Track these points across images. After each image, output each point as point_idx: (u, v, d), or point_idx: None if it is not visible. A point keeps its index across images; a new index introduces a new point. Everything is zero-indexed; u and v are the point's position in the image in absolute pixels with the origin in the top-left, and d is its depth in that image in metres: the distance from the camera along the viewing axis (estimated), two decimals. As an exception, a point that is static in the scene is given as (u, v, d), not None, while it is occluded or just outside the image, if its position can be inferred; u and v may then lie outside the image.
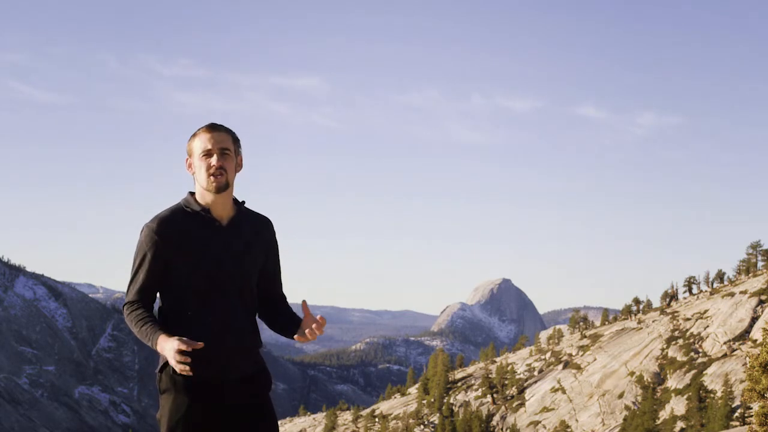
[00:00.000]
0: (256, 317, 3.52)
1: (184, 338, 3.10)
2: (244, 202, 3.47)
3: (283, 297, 3.58)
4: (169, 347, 3.10)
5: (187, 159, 3.39)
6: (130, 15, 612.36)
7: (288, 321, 3.47)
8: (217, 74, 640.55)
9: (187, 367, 3.09)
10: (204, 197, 3.35)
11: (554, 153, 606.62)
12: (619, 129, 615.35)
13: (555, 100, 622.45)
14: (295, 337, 3.36)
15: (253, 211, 3.50)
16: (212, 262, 3.29)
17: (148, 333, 3.21)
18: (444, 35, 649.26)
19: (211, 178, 3.29)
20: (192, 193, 3.40)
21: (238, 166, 3.40)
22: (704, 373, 55.61)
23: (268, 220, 3.54)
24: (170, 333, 3.23)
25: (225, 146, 3.32)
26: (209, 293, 3.29)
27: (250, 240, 3.41)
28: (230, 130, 3.39)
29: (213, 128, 3.34)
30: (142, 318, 3.26)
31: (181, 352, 3.07)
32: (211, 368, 3.28)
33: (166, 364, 3.29)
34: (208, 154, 3.30)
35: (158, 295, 3.38)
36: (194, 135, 3.35)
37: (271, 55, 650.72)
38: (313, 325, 3.29)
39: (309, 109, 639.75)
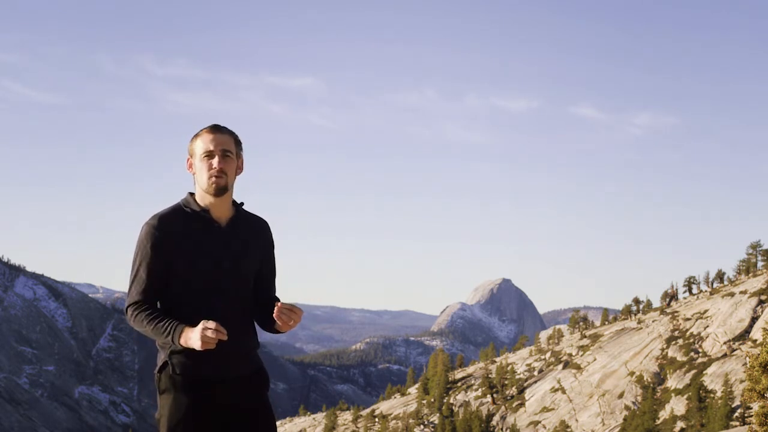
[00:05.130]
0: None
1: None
2: (242, 204, 3.46)
3: (276, 299, 3.53)
4: (197, 328, 3.06)
5: (188, 159, 3.37)
6: (126, 15, 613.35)
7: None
8: (213, 74, 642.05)
9: (221, 337, 3.04)
10: (204, 198, 3.34)
11: (551, 153, 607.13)
12: (615, 129, 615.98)
13: (551, 100, 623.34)
14: (276, 326, 3.31)
15: (251, 213, 3.50)
16: (211, 262, 3.28)
17: (167, 328, 3.15)
18: (440, 35, 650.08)
19: (212, 179, 3.27)
20: (192, 194, 3.39)
21: (239, 169, 3.39)
22: (704, 373, 55.59)
23: (266, 222, 3.54)
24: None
25: (227, 148, 3.31)
26: (208, 293, 3.28)
27: (248, 242, 3.41)
28: (233, 132, 3.39)
29: (216, 129, 3.33)
30: (155, 316, 3.21)
31: (205, 337, 3.03)
32: (211, 368, 3.29)
33: (165, 364, 3.29)
34: (209, 155, 3.29)
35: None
36: (196, 135, 3.34)
37: (267, 55, 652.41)
38: (279, 305, 3.19)
39: (305, 109, 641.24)
